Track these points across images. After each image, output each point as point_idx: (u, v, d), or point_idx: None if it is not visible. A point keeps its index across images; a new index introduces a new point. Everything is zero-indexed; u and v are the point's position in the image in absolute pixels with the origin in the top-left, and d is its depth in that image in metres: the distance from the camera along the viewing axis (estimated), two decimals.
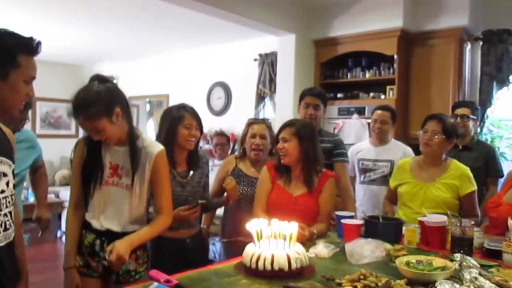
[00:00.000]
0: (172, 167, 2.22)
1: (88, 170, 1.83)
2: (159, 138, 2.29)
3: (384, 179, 3.13)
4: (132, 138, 1.84)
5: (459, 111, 3.22)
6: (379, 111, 3.28)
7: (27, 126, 2.65)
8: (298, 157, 2.25)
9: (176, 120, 2.23)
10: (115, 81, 7.85)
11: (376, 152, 3.27)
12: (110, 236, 1.81)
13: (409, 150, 3.24)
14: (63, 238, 2.10)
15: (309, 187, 2.25)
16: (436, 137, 2.43)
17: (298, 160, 2.26)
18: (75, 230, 1.87)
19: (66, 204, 7.86)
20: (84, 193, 1.86)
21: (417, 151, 2.97)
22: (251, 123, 2.72)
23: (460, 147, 3.12)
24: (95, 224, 1.85)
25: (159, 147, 1.89)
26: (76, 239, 1.87)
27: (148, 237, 1.87)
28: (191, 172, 2.31)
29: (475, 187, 2.43)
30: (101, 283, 1.88)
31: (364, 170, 3.29)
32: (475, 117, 3.25)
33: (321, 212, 2.25)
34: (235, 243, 2.54)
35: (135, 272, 1.87)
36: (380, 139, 3.28)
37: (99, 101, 1.70)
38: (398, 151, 3.21)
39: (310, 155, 2.26)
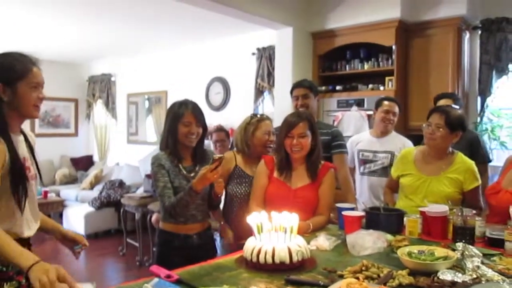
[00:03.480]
0: (178, 162, 2.23)
1: (16, 174, 1.58)
2: (163, 134, 2.29)
3: (384, 171, 3.12)
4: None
5: (442, 102, 3.24)
6: (387, 102, 3.23)
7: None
8: (308, 151, 2.26)
9: (176, 118, 2.22)
10: (113, 79, 7.89)
11: (376, 143, 3.25)
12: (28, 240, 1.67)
13: (409, 142, 3.21)
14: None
15: (312, 178, 2.25)
16: (439, 130, 2.37)
17: (307, 153, 2.26)
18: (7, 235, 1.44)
19: (68, 202, 7.83)
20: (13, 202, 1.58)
21: (416, 143, 2.95)
22: (261, 119, 2.58)
23: None
24: (27, 232, 1.65)
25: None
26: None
27: None
28: (197, 167, 2.25)
29: (479, 181, 2.37)
30: None
31: (364, 161, 3.27)
32: (457, 107, 3.25)
33: (321, 204, 2.24)
34: (237, 247, 2.48)
35: None
36: (386, 130, 3.25)
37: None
38: (398, 143, 3.20)
39: (318, 146, 2.29)
